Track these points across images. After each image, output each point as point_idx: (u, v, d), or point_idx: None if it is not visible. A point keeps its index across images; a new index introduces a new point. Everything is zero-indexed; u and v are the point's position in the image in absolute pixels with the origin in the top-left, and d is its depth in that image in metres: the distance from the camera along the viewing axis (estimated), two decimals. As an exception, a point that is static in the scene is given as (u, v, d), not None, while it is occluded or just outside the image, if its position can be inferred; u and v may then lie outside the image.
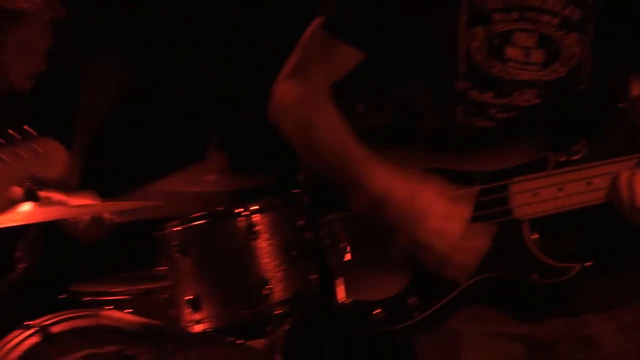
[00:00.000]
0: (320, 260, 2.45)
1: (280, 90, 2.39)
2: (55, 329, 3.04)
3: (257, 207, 3.37)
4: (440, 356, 2.40)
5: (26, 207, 3.12)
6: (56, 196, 3.21)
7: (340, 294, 2.36)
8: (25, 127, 2.07)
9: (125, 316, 3.24)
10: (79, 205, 3.17)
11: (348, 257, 2.37)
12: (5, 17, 3.63)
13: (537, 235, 2.27)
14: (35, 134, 2.08)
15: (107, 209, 3.24)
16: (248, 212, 3.34)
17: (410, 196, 2.20)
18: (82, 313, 3.17)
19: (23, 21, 3.66)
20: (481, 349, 2.37)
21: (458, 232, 2.20)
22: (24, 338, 3.03)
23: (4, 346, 3.03)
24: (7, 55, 3.67)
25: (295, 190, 3.11)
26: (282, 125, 2.38)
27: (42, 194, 3.09)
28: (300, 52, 2.39)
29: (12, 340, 3.04)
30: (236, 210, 3.35)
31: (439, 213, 2.20)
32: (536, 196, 2.26)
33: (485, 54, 2.31)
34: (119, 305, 3.41)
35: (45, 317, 3.10)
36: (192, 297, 3.32)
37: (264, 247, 3.34)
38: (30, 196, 3.12)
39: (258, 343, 3.51)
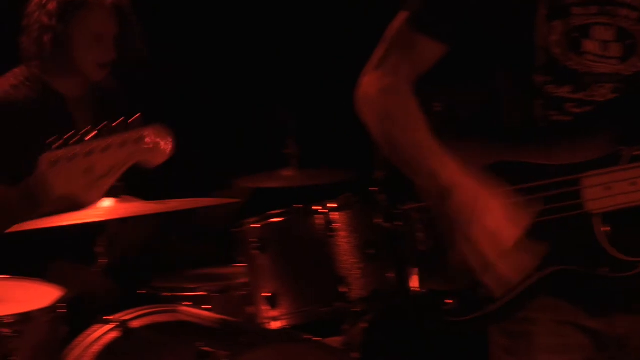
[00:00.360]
0: (396, 250, 2.49)
1: (365, 82, 2.43)
2: (135, 324, 3.07)
3: (335, 204, 3.36)
4: (512, 343, 2.42)
5: (107, 202, 3.16)
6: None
7: (414, 283, 2.39)
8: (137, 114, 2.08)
9: (203, 312, 3.26)
10: (158, 202, 3.19)
11: (423, 247, 2.42)
12: (69, 7, 3.68)
13: (608, 229, 2.27)
14: (139, 120, 2.08)
15: (187, 206, 3.27)
16: (326, 210, 3.34)
17: (473, 193, 2.24)
18: (160, 309, 3.20)
19: (86, 9, 3.71)
20: (553, 336, 2.38)
21: (510, 240, 2.22)
22: (103, 333, 3.07)
23: (84, 340, 3.07)
24: (76, 45, 3.72)
25: (373, 188, 3.13)
26: (364, 116, 2.43)
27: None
28: (385, 45, 2.43)
29: (91, 334, 3.08)
30: (314, 208, 3.35)
31: (497, 217, 2.23)
32: (609, 190, 2.28)
33: (563, 48, 2.33)
34: (197, 302, 3.44)
35: (125, 312, 3.14)
36: (269, 294, 3.33)
37: (342, 245, 3.34)
38: (111, 192, 3.15)
39: (335, 341, 3.51)
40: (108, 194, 3.15)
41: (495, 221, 2.22)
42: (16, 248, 3.53)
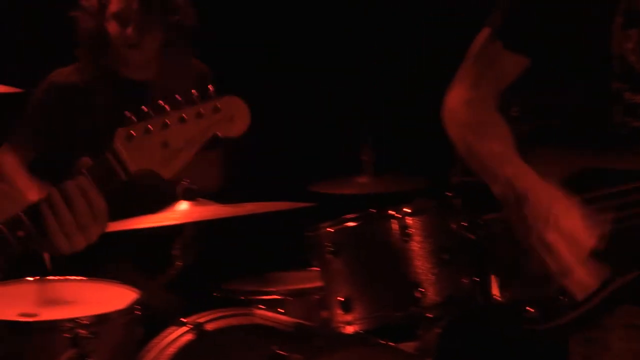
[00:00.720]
0: (476, 259, 2.52)
1: (450, 96, 2.52)
2: (210, 327, 3.09)
3: (410, 209, 3.35)
4: (588, 350, 2.43)
5: (183, 206, 3.18)
6: None
7: (495, 291, 2.41)
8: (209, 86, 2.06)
9: (277, 316, 3.27)
10: (234, 205, 3.21)
11: (503, 255, 2.46)
12: None
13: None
14: (214, 92, 2.04)
15: (261, 209, 3.28)
16: (401, 215, 3.33)
17: (550, 199, 2.27)
18: (235, 312, 3.21)
19: None
20: (629, 341, 2.38)
21: (588, 245, 2.25)
22: (179, 335, 3.08)
23: (159, 342, 3.09)
24: (107, 25, 3.75)
25: (448, 193, 3.13)
26: (448, 128, 2.51)
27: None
28: (469, 61, 2.51)
29: (167, 336, 3.10)
30: (389, 212, 3.34)
31: (574, 222, 2.26)
32: None
33: (638, 55, 2.35)
34: (272, 305, 3.45)
35: (200, 315, 3.15)
36: (343, 298, 3.32)
37: (417, 250, 3.32)
38: (187, 195, 3.18)
39: (409, 346, 3.49)
40: (185, 197, 3.19)
41: (572, 226, 2.25)
42: (93, 250, 3.58)
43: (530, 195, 2.28)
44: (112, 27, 3.74)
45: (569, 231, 2.25)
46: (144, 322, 3.04)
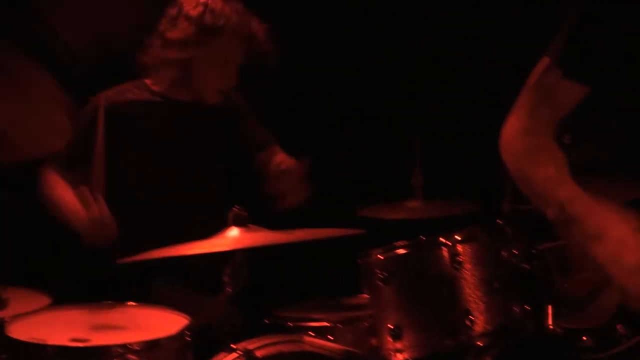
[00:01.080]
0: (528, 288, 2.54)
1: (507, 124, 2.57)
2: (259, 354, 3.08)
3: (460, 236, 3.33)
4: None
5: (234, 232, 3.19)
6: None
7: (550, 321, 2.42)
8: None
9: (327, 343, 3.26)
10: (284, 231, 3.21)
11: (558, 285, 2.43)
12: (209, 32, 3.75)
13: None
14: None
15: (312, 236, 3.27)
16: (451, 242, 3.31)
17: (604, 220, 2.30)
18: (285, 338, 3.20)
19: (221, 36, 3.76)
20: None
21: (634, 262, 2.23)
22: (228, 361, 3.08)
23: (209, 368, 3.09)
24: (199, 67, 3.78)
25: (499, 221, 3.12)
26: (504, 157, 2.57)
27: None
28: (527, 90, 2.55)
29: (217, 362, 3.10)
30: (440, 240, 3.33)
31: (617, 237, 2.27)
32: None
33: None
34: (321, 332, 3.44)
35: (250, 341, 3.15)
36: (393, 325, 3.31)
37: (467, 278, 3.31)
38: (237, 221, 3.18)
39: (459, 374, 3.47)
40: (235, 223, 3.19)
41: (626, 236, 2.26)
42: (144, 276, 3.60)
43: (585, 215, 2.31)
44: (213, 71, 3.79)
45: (623, 241, 2.26)
46: (194, 348, 3.04)
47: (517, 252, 2.93)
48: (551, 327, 2.49)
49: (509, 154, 2.55)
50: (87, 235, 3.57)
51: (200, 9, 3.77)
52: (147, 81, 3.89)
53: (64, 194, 3.76)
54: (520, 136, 2.53)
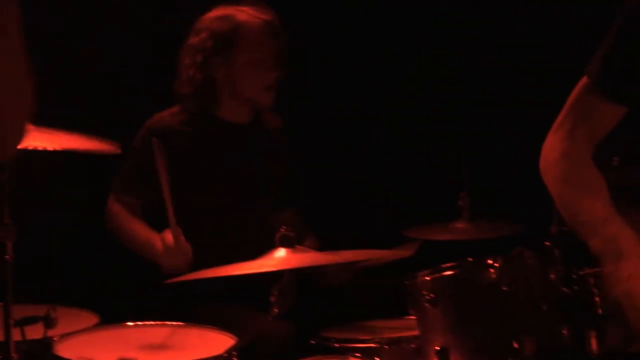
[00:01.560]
0: (573, 313, 2.55)
1: (546, 145, 2.59)
2: (306, 374, 3.09)
3: (508, 258, 3.32)
4: None
5: (281, 252, 3.20)
6: None
7: (593, 346, 2.42)
8: None
9: (373, 364, 3.26)
10: (332, 252, 3.21)
11: (600, 310, 2.55)
12: (226, 38, 3.76)
13: None
14: None
15: (359, 257, 3.28)
16: (499, 263, 3.30)
17: (621, 254, 2.38)
18: (331, 359, 3.21)
19: (242, 34, 3.77)
20: None
21: None
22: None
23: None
24: (239, 74, 3.80)
25: (547, 243, 3.11)
26: (545, 179, 2.60)
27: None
28: (566, 111, 2.56)
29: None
30: (487, 261, 3.31)
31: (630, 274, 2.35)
32: None
33: None
34: (367, 353, 3.43)
35: (297, 362, 3.16)
36: (440, 347, 3.29)
37: (515, 300, 3.28)
38: (285, 242, 3.19)
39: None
40: (283, 244, 3.20)
41: (627, 279, 2.35)
42: (192, 295, 3.61)
43: (630, 254, 2.35)
44: (251, 72, 3.80)
45: (625, 284, 2.35)
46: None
47: (558, 276, 2.94)
48: (594, 351, 2.49)
49: (551, 180, 2.58)
50: (166, 263, 3.59)
51: (212, 20, 3.81)
52: (186, 104, 3.90)
53: (133, 225, 3.80)
54: (561, 161, 2.54)
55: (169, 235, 3.56)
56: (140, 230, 3.76)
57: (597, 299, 2.59)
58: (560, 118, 2.59)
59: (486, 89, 4.78)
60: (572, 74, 2.63)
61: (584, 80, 2.55)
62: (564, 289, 2.68)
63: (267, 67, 3.82)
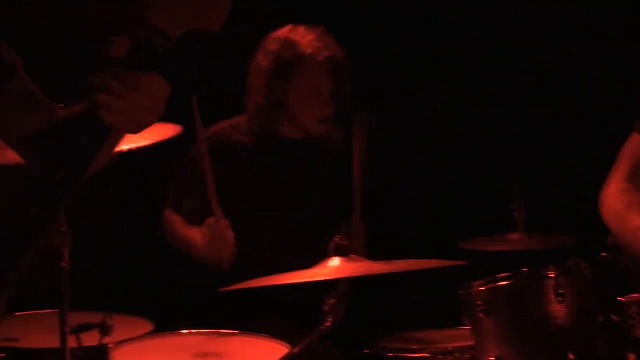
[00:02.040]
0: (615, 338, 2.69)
1: (609, 194, 2.92)
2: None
3: (564, 269, 3.29)
4: None
5: (335, 261, 3.20)
6: None
7: None
8: None
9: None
10: (386, 262, 3.21)
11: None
12: (284, 66, 3.77)
13: None
14: None
15: (413, 267, 3.27)
16: (554, 274, 3.27)
17: None
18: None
19: (301, 67, 3.78)
20: None
21: None
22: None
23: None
24: (293, 102, 3.81)
25: (603, 254, 3.11)
26: (602, 213, 2.92)
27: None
28: (624, 159, 2.87)
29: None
30: (542, 272, 3.29)
31: None
32: None
33: None
34: (420, 363, 3.43)
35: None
36: (494, 358, 3.28)
37: (570, 311, 3.26)
38: (339, 251, 3.19)
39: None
40: (337, 253, 3.20)
41: None
42: (245, 304, 3.63)
43: None
44: (308, 102, 3.82)
45: None
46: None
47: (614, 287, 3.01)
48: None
49: (606, 210, 2.89)
50: (208, 250, 3.64)
51: (278, 43, 3.81)
52: (249, 118, 3.92)
53: (184, 230, 3.83)
54: (616, 194, 2.85)
55: (210, 220, 3.60)
56: (184, 229, 3.80)
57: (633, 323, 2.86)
58: (616, 167, 2.91)
59: (550, 105, 4.76)
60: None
61: (635, 136, 2.88)
62: (610, 314, 2.86)
63: (324, 103, 3.84)
